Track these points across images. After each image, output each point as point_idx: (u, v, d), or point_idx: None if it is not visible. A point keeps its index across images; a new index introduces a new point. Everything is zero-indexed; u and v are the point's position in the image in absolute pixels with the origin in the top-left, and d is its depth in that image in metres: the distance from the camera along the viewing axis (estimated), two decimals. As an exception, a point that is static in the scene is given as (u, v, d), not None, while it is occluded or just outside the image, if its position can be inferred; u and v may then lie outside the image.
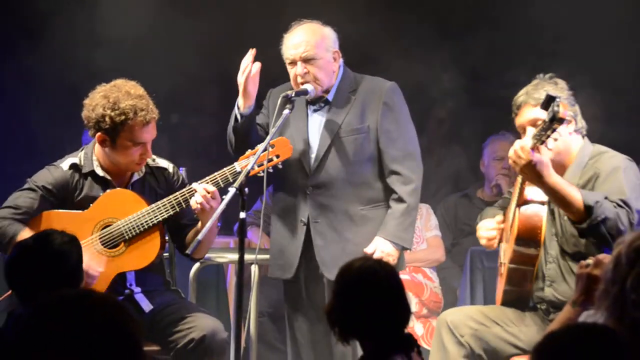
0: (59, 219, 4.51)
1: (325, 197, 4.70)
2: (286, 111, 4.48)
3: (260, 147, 4.40)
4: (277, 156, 4.49)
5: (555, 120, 3.97)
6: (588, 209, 4.07)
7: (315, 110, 4.78)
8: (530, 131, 4.20)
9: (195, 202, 4.40)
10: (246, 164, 4.42)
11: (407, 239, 4.73)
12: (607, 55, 6.94)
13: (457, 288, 6.42)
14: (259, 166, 4.42)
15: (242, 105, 4.67)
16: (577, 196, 4.09)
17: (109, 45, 7.21)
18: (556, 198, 4.15)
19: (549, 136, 4.03)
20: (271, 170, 4.51)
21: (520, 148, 4.08)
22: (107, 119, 4.44)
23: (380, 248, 4.65)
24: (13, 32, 7.55)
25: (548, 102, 4.01)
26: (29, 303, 3.60)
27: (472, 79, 7.60)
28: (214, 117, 8.62)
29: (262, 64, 4.67)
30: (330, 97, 4.75)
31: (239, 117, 4.68)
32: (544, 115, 4.10)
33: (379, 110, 4.72)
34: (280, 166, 4.51)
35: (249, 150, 4.54)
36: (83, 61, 7.16)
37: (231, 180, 4.46)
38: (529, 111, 4.31)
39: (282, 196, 4.82)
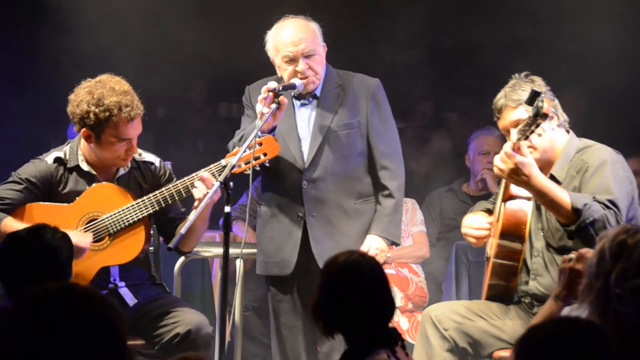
0: (44, 211, 4.51)
1: (320, 191, 4.70)
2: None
3: (246, 144, 4.38)
4: (265, 154, 4.45)
5: (539, 116, 4.00)
6: (576, 211, 4.08)
7: (302, 105, 4.77)
8: (515, 133, 4.22)
9: (199, 192, 4.36)
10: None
11: (398, 235, 4.80)
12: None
13: (443, 282, 6.43)
14: (245, 164, 4.39)
15: (265, 128, 4.51)
16: (565, 199, 4.09)
17: (95, 39, 7.20)
18: (545, 201, 4.15)
19: (533, 131, 4.06)
20: (258, 168, 4.48)
21: (504, 153, 4.10)
22: (91, 115, 4.42)
23: (375, 245, 4.68)
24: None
25: (533, 97, 4.04)
26: (14, 295, 3.61)
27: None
28: (199, 112, 8.64)
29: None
30: (317, 92, 4.74)
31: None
32: (525, 115, 4.15)
33: (367, 106, 4.73)
34: (267, 164, 4.48)
35: (237, 147, 4.53)
36: (68, 54, 7.15)
37: (217, 176, 4.43)
38: (510, 114, 4.33)
39: (274, 193, 4.78)
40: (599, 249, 2.79)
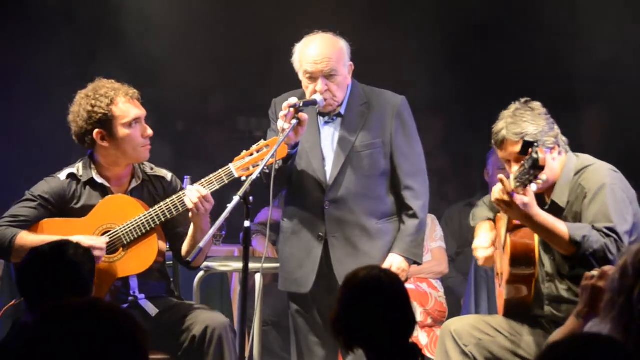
0: (58, 226, 4.53)
1: (342, 211, 4.67)
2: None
3: (253, 148, 4.44)
4: (273, 156, 4.47)
5: (537, 168, 3.91)
6: (575, 244, 4.08)
7: (327, 123, 4.74)
8: (515, 167, 4.16)
9: (190, 201, 4.41)
10: (241, 164, 4.45)
11: (420, 255, 4.77)
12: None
13: (462, 297, 6.42)
14: (253, 167, 4.42)
15: (287, 144, 4.52)
16: (564, 231, 4.10)
17: (115, 52, 7.23)
18: (544, 235, 4.17)
19: (531, 181, 3.98)
20: (267, 171, 4.43)
21: (500, 191, 4.08)
22: (96, 109, 4.51)
23: (396, 265, 4.66)
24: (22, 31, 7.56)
25: (526, 147, 3.96)
26: (36, 311, 3.62)
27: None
28: (218, 125, 8.66)
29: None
30: (342, 110, 4.71)
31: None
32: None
33: (392, 125, 4.70)
34: (277, 166, 4.45)
35: (245, 151, 4.52)
36: (89, 67, 7.18)
37: (226, 181, 4.48)
38: (512, 147, 4.23)
39: (296, 210, 4.76)
40: (622, 264, 2.77)
